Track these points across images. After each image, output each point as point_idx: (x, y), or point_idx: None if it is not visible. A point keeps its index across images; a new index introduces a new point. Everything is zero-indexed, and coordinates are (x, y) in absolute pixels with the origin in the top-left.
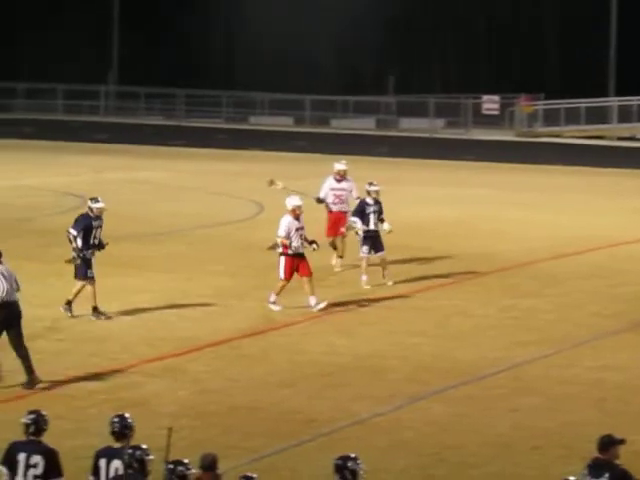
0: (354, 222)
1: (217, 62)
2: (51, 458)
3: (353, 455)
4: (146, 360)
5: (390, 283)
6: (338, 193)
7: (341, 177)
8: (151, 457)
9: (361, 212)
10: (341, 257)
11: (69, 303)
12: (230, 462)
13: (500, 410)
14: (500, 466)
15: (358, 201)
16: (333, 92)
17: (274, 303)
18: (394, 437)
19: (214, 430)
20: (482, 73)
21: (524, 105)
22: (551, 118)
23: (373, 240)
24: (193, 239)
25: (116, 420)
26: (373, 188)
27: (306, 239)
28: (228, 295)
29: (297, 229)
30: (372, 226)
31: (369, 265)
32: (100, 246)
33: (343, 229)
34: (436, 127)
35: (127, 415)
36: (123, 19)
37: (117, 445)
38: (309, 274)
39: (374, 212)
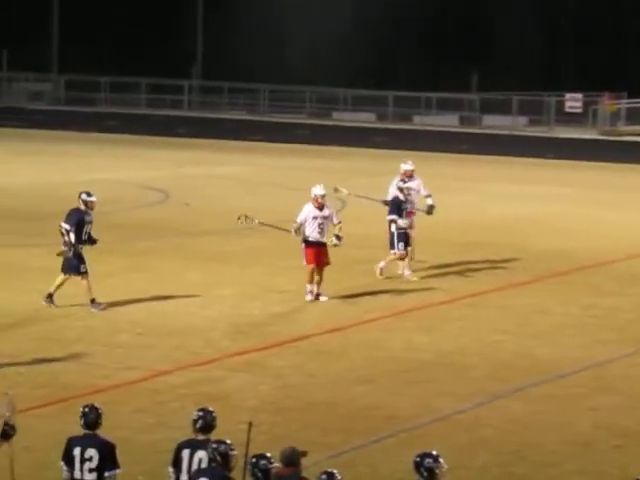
0: (395, 220)
1: (301, 58)
2: (106, 451)
3: (434, 453)
4: (228, 355)
5: (415, 278)
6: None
7: (408, 177)
8: (235, 452)
9: (398, 208)
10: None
11: (50, 296)
12: (309, 458)
13: (580, 409)
14: (580, 464)
15: (392, 198)
16: (416, 88)
17: (310, 292)
18: (474, 434)
19: (293, 426)
20: (565, 71)
21: (608, 104)
22: (634, 117)
23: (407, 235)
24: (274, 234)
25: (201, 414)
26: (406, 185)
27: (337, 236)
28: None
29: (315, 217)
30: (407, 224)
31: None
32: (91, 241)
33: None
34: (519, 125)
35: (211, 409)
36: (207, 14)
37: (201, 437)
38: (326, 264)
39: (405, 209)
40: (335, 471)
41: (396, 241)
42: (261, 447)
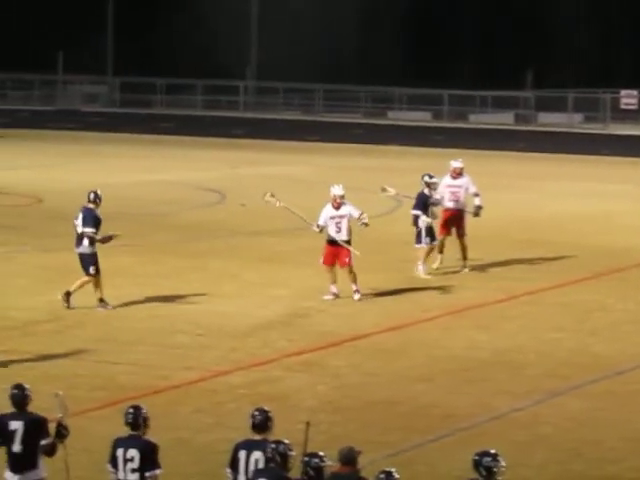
0: (419, 215)
1: (355, 58)
2: (147, 451)
3: (492, 451)
4: (286, 354)
5: (429, 276)
6: (454, 190)
7: (457, 174)
8: (293, 452)
9: (424, 204)
10: (465, 258)
11: (101, 300)
12: (368, 457)
13: (639, 405)
14: (639, 462)
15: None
16: (471, 87)
17: (332, 293)
18: (533, 432)
19: (352, 425)
20: (621, 67)
21: None
22: None
23: (432, 230)
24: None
25: (257, 413)
26: (432, 180)
27: (364, 223)
28: (367, 289)
29: (332, 217)
30: (431, 217)
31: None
32: (108, 239)
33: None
34: (574, 122)
35: (267, 408)
36: (262, 15)
37: (257, 438)
38: (345, 264)
39: (431, 204)
40: (393, 470)
41: (423, 235)
42: (319, 447)
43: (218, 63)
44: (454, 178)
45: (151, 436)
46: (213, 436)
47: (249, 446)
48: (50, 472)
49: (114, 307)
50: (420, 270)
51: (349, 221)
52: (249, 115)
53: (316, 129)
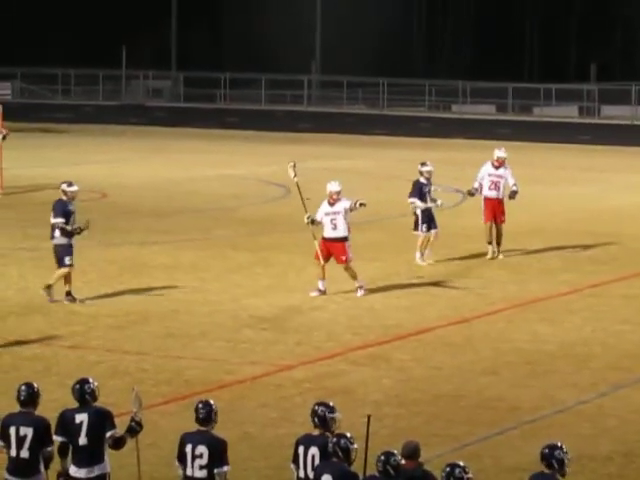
0: (414, 202)
1: (419, 51)
2: (216, 448)
3: (559, 444)
4: (351, 348)
5: (431, 261)
6: (495, 179)
7: (499, 164)
8: (355, 446)
9: (420, 192)
10: (499, 243)
11: (69, 293)
12: (433, 450)
13: None
14: None
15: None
16: (536, 80)
17: (318, 290)
18: (598, 424)
19: (417, 418)
20: None
21: None
22: None
23: (430, 217)
24: (396, 227)
25: (317, 408)
26: (426, 168)
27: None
28: (432, 283)
29: (327, 214)
30: (428, 204)
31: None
32: (78, 230)
33: (503, 217)
34: (638, 114)
35: (331, 403)
36: (326, 10)
37: (316, 432)
38: (341, 262)
39: (428, 192)
40: (460, 463)
41: (420, 222)
42: (384, 441)
43: (282, 57)
44: (496, 168)
45: (217, 431)
46: (279, 430)
47: (308, 441)
48: (114, 467)
49: (82, 300)
50: (418, 257)
51: (345, 217)
52: (313, 109)
53: (381, 123)
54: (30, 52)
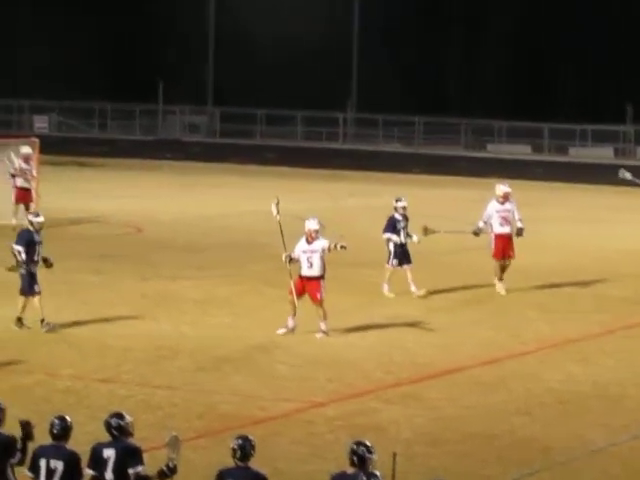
0: (389, 237)
1: (454, 90)
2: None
3: None
4: (383, 386)
5: (422, 292)
6: (504, 215)
7: (505, 199)
8: None
9: (393, 227)
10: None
11: (19, 319)
12: None
13: None
14: None
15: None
16: (571, 120)
17: (286, 327)
18: (629, 466)
19: (449, 457)
20: None
21: None
22: None
23: (403, 253)
24: (430, 265)
25: (356, 447)
26: (401, 204)
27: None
28: (464, 322)
29: (304, 251)
30: (403, 240)
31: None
32: (46, 263)
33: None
34: None
35: (369, 443)
36: (362, 49)
37: (350, 471)
38: (315, 301)
39: (404, 227)
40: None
41: (391, 257)
42: (416, 479)
43: (318, 94)
44: (502, 203)
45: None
46: (310, 467)
47: (342, 478)
48: None
49: (29, 327)
50: (385, 290)
51: (322, 257)
52: (349, 146)
53: (416, 161)
54: (68, 86)
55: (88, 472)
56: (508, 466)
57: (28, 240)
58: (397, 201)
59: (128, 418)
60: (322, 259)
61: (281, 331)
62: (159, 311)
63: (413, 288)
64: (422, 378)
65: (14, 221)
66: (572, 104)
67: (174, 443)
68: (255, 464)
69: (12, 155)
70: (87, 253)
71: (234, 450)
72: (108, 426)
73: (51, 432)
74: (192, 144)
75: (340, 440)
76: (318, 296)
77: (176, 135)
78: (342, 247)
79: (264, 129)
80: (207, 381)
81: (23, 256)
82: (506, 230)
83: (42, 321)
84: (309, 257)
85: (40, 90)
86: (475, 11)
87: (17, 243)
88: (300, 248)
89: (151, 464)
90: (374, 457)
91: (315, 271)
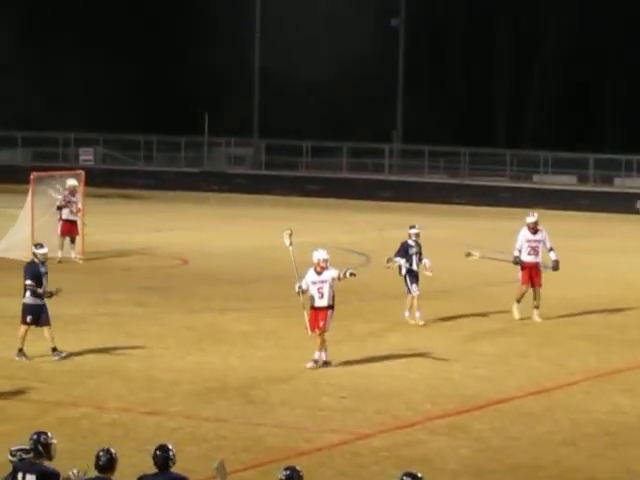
0: (398, 261)
1: (502, 121)
2: None
3: None
4: (429, 417)
5: (422, 322)
6: (534, 245)
7: (534, 229)
8: None
9: (405, 253)
10: (537, 307)
11: (20, 350)
12: None
13: None
14: None
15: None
16: (617, 151)
17: (313, 360)
18: None
19: None
20: None
21: None
22: None
23: (415, 278)
24: (475, 297)
25: (403, 477)
26: (413, 231)
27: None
28: (510, 353)
29: (314, 282)
30: (415, 266)
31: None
32: (49, 294)
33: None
34: None
35: (419, 474)
36: (407, 79)
37: None
38: (319, 328)
39: (416, 253)
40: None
41: (409, 284)
42: None
43: (364, 126)
44: (533, 233)
45: None
46: None
47: None
48: None
49: (61, 354)
50: (407, 316)
51: (332, 286)
52: (394, 178)
53: (462, 192)
54: (113, 118)
55: None
56: None
57: (34, 273)
58: (411, 228)
59: (172, 450)
60: (332, 288)
61: (310, 365)
62: (206, 343)
63: (418, 314)
64: (468, 409)
65: (60, 254)
66: (618, 134)
67: (221, 468)
68: None
69: (52, 192)
70: (132, 285)
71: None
72: (156, 457)
73: (96, 464)
74: (237, 176)
75: (386, 471)
76: (322, 324)
77: (222, 167)
78: (352, 274)
79: (309, 161)
80: (255, 413)
81: (39, 290)
82: (532, 259)
83: (54, 350)
84: (320, 288)
85: (85, 122)
86: (522, 42)
87: (26, 278)
88: (310, 279)
89: None
90: None
91: (325, 301)
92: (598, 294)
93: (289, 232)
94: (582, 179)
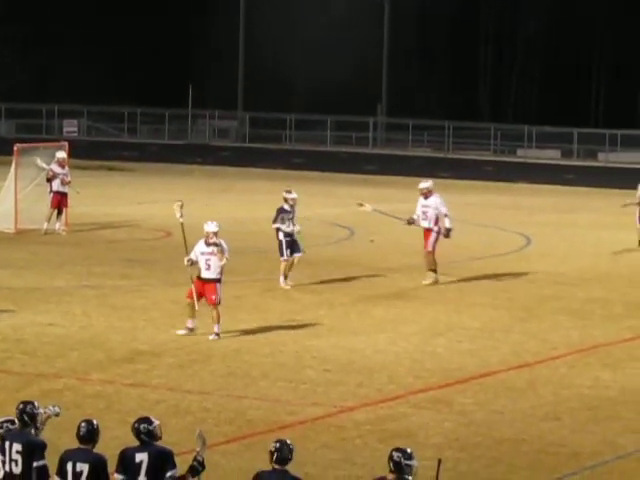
0: (279, 227)
1: (486, 94)
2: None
3: None
4: (413, 391)
5: (289, 286)
6: (424, 209)
7: (424, 195)
8: None
9: (281, 217)
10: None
11: None
12: None
13: None
14: None
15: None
16: (601, 125)
17: (187, 328)
18: None
19: (478, 462)
20: None
21: None
22: None
23: (294, 242)
24: (459, 271)
25: (393, 453)
26: (291, 196)
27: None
28: (494, 327)
29: (202, 253)
30: (291, 230)
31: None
32: None
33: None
34: None
35: (409, 450)
36: (392, 53)
37: (390, 477)
38: (211, 303)
39: (291, 218)
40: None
41: (284, 248)
42: None
43: (348, 99)
44: (425, 198)
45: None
46: (339, 472)
47: None
48: None
49: None
50: (282, 282)
51: (220, 259)
52: (379, 151)
53: (446, 166)
54: (97, 90)
55: (117, 477)
56: (537, 471)
57: None
58: (288, 193)
59: (156, 422)
60: (220, 262)
61: (181, 332)
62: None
63: (290, 276)
64: (452, 383)
65: (45, 225)
66: (602, 109)
67: (200, 438)
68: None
69: (38, 160)
70: (116, 258)
71: (271, 453)
72: (137, 432)
73: (78, 435)
74: (221, 148)
75: (369, 445)
76: (214, 298)
77: (206, 140)
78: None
79: (293, 134)
80: (238, 386)
81: None
82: (425, 224)
83: None
84: (207, 259)
85: (69, 94)
86: (506, 15)
87: None
88: (199, 250)
89: (183, 468)
90: (412, 463)
91: (212, 273)
92: (580, 268)
93: (180, 204)
94: (566, 153)
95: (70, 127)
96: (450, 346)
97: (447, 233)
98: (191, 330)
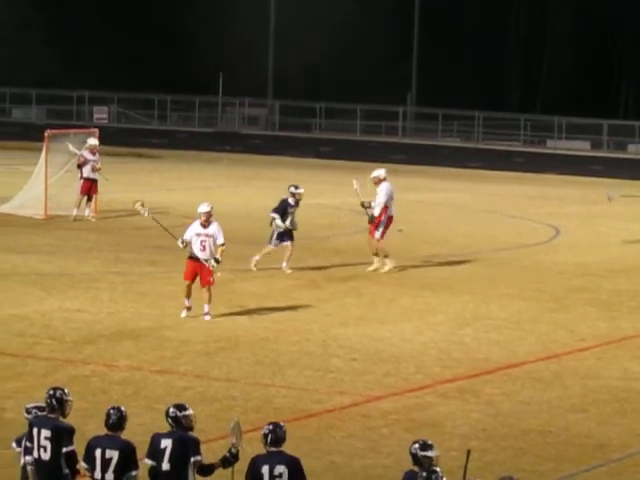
0: (275, 217)
1: (516, 85)
2: (295, 466)
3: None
4: (440, 381)
5: (289, 271)
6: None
7: (376, 184)
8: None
9: (284, 211)
10: (376, 255)
11: None
12: None
13: None
14: None
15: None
16: (630, 117)
17: (186, 308)
18: None
19: (505, 453)
20: None
21: None
22: None
23: (284, 233)
24: (488, 261)
25: (410, 446)
26: (299, 191)
27: (216, 259)
28: (522, 318)
29: (198, 234)
30: (289, 224)
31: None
32: None
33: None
34: None
35: (429, 442)
36: (423, 43)
37: (416, 469)
38: (207, 283)
39: (292, 213)
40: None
41: (274, 237)
42: (472, 474)
43: (378, 89)
44: (377, 186)
45: (305, 461)
46: (365, 461)
47: (408, 478)
48: None
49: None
50: (253, 260)
51: (215, 242)
52: (408, 141)
53: (475, 156)
54: (127, 77)
55: (147, 462)
56: (563, 462)
57: None
58: (295, 188)
59: (189, 411)
60: (215, 244)
61: (184, 314)
62: (218, 304)
63: (285, 264)
64: (479, 373)
65: (75, 212)
66: (632, 101)
67: (236, 429)
68: (310, 457)
69: (70, 146)
70: (144, 244)
71: (265, 436)
72: (166, 415)
73: (106, 423)
74: (251, 136)
75: (396, 434)
76: (210, 279)
77: (235, 128)
78: (216, 261)
79: (323, 122)
80: (265, 374)
81: None
82: (375, 213)
83: None
84: (203, 240)
85: (100, 81)
86: (537, 6)
87: None
88: (193, 231)
89: (209, 456)
90: (429, 454)
91: (207, 254)
92: (610, 260)
93: (139, 203)
94: (596, 145)
95: (100, 114)
96: (477, 336)
97: (371, 219)
98: (189, 309)
